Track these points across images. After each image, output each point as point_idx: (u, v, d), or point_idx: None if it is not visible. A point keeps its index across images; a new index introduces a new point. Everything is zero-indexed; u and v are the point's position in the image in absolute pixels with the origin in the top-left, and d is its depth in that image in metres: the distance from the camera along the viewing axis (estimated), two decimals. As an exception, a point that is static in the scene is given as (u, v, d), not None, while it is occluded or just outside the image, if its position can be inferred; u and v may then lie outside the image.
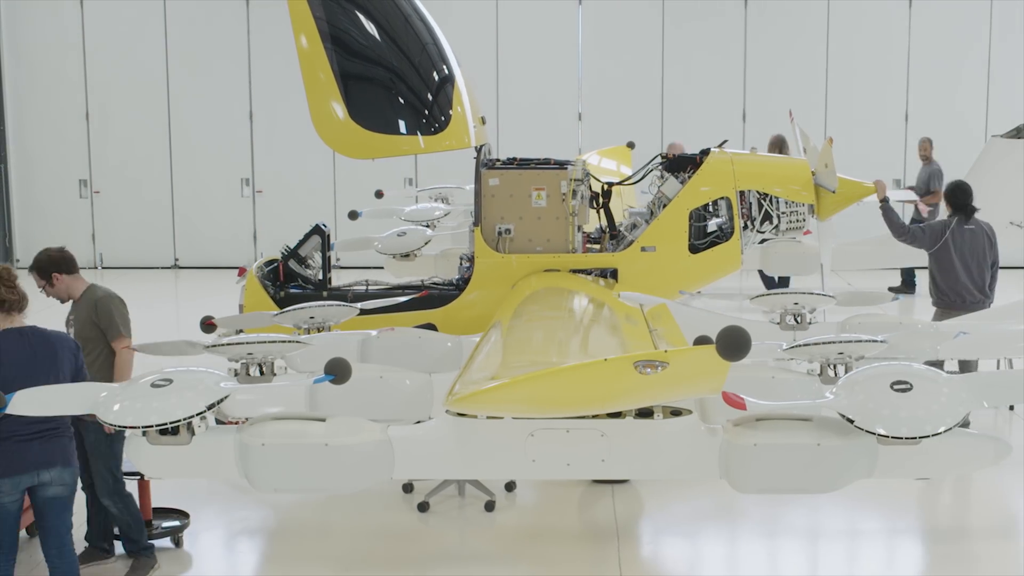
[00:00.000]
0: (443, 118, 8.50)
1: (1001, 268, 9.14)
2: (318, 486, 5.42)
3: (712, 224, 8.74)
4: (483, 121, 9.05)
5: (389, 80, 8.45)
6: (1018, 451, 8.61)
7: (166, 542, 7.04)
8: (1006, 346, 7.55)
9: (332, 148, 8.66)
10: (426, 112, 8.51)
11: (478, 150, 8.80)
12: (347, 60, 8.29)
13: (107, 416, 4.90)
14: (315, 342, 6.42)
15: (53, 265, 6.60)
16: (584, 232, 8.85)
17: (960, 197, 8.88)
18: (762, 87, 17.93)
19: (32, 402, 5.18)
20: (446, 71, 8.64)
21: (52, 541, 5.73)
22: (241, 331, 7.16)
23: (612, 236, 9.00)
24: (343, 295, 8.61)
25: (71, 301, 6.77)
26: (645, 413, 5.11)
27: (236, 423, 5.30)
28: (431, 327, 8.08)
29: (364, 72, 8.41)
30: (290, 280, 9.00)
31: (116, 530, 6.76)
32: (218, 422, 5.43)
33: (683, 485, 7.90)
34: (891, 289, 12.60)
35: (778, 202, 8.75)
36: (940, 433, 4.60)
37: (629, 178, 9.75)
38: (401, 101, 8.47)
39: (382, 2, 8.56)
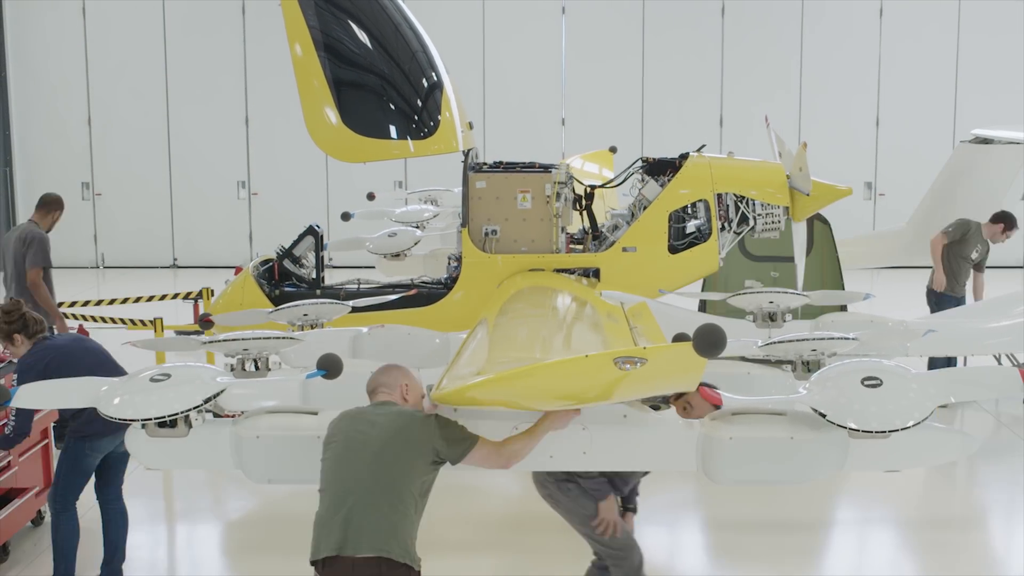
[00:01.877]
0: (432, 123, 8.61)
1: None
2: (310, 477, 5.50)
3: (691, 225, 8.84)
4: (470, 126, 9.16)
5: (380, 87, 8.56)
6: (986, 444, 8.89)
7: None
8: (974, 343, 7.76)
9: (325, 152, 8.77)
10: (416, 117, 8.64)
11: (466, 154, 8.90)
12: (340, 67, 8.42)
13: (107, 409, 5.06)
14: (308, 338, 6.58)
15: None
16: (567, 233, 8.93)
17: None
18: (738, 93, 18.16)
19: (36, 396, 5.36)
20: (435, 78, 8.76)
21: (113, 491, 6.58)
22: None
23: (594, 237, 9.10)
24: (336, 293, 8.69)
25: None
26: (626, 407, 5.26)
27: (232, 416, 5.46)
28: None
29: (356, 79, 8.53)
30: (285, 279, 9.10)
31: None
32: (215, 415, 5.58)
33: (662, 476, 8.08)
34: None
35: (754, 204, 8.86)
36: (909, 427, 4.71)
37: (611, 181, 9.82)
38: (392, 107, 8.59)
39: (373, 11, 8.68)
